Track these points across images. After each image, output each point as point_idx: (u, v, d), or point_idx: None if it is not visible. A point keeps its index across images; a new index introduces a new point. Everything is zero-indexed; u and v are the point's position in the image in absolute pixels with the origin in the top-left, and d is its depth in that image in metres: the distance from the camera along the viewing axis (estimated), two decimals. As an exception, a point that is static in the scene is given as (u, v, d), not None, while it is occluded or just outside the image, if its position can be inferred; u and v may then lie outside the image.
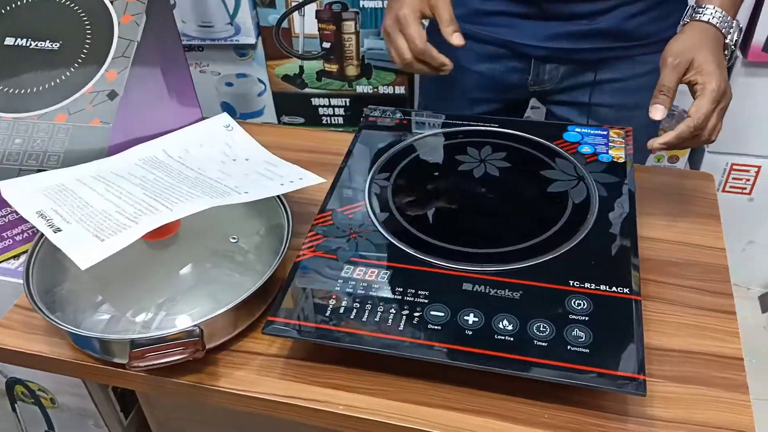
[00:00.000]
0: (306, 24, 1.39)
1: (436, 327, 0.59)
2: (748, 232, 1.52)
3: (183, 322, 0.62)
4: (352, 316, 0.60)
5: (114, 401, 0.90)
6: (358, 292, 0.62)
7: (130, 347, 0.58)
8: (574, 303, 0.60)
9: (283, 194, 0.72)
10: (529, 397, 0.59)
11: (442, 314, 0.60)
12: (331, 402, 0.60)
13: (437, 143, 0.82)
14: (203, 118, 0.82)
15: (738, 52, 1.31)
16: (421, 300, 0.61)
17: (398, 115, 0.86)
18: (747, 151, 1.41)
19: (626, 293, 0.61)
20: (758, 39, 1.26)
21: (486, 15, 0.88)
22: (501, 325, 0.58)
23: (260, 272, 0.65)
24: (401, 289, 0.62)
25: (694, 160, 1.49)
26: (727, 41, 0.72)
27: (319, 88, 1.48)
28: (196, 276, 0.66)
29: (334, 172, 0.77)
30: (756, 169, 1.43)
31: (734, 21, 0.72)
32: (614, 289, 0.61)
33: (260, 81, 1.49)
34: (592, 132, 0.80)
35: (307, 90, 1.49)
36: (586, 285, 0.61)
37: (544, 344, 0.57)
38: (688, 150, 1.46)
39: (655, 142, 0.68)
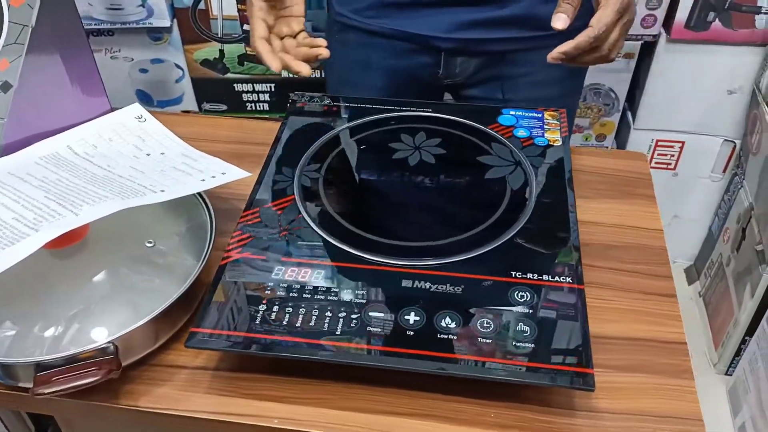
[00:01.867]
0: (224, 5, 1.32)
1: (375, 329, 0.55)
2: (673, 206, 1.55)
3: (97, 337, 0.56)
4: (284, 322, 0.55)
5: (26, 420, 0.83)
6: (291, 294, 0.57)
7: (36, 371, 0.52)
8: (518, 295, 0.57)
9: (204, 191, 0.66)
10: (474, 396, 0.56)
11: (382, 315, 0.56)
12: (264, 416, 0.55)
13: (370, 130, 0.78)
14: (113, 109, 0.75)
15: (662, 29, 1.32)
16: (358, 300, 0.57)
17: (327, 101, 0.81)
18: (671, 127, 1.44)
19: (569, 282, 0.59)
20: (680, 16, 1.27)
21: (391, 7, 0.83)
22: (444, 323, 0.55)
23: (182, 277, 0.59)
24: (337, 290, 0.58)
25: (621, 138, 1.50)
26: None
27: (241, 72, 1.41)
28: (110, 286, 0.60)
29: (260, 164, 0.72)
30: (680, 144, 1.45)
31: None
32: (557, 278, 0.59)
33: (177, 66, 1.41)
34: (527, 115, 0.78)
35: (228, 75, 1.42)
36: (529, 276, 0.59)
37: (488, 341, 0.54)
38: (615, 128, 1.47)
39: (554, 52, 0.66)
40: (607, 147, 1.50)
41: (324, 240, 0.63)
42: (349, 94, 0.93)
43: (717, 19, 1.26)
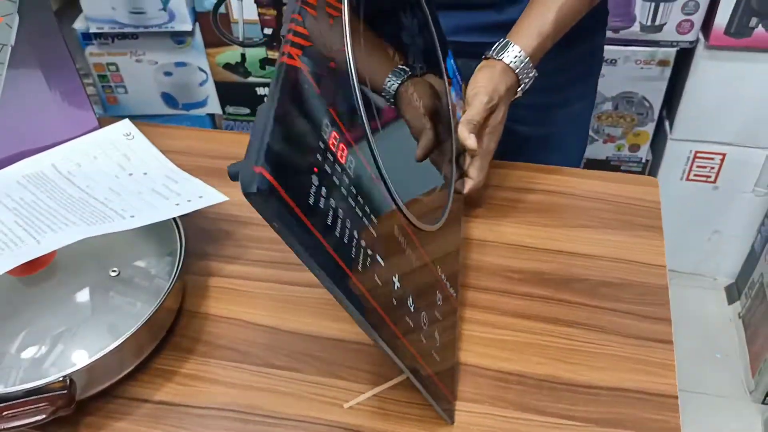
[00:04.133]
0: (245, 9, 1.31)
1: None
2: (713, 221, 1.47)
3: (56, 369, 0.55)
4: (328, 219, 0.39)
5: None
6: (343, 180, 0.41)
7: (-12, 403, 0.52)
8: None
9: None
10: None
11: None
12: (219, 457, 0.53)
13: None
14: (100, 126, 0.75)
15: (700, 35, 1.24)
16: None
17: None
18: (711, 138, 1.35)
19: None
20: (720, 22, 1.19)
21: None
22: None
23: (148, 305, 0.58)
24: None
25: (657, 149, 1.43)
26: (518, 89, 0.69)
27: (263, 76, 1.40)
28: (73, 315, 0.59)
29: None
30: (720, 156, 1.37)
31: (533, 69, 0.68)
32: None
33: (201, 70, 1.41)
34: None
35: (250, 79, 1.41)
36: None
37: None
38: (649, 138, 1.40)
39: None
40: (641, 158, 1.43)
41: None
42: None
43: (760, 25, 1.18)
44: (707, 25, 1.22)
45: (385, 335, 0.44)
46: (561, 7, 0.68)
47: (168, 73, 1.42)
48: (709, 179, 1.41)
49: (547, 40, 0.68)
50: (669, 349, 0.60)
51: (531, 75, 0.68)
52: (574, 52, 0.79)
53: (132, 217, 0.61)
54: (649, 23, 1.22)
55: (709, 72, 1.26)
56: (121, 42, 1.37)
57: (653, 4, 1.20)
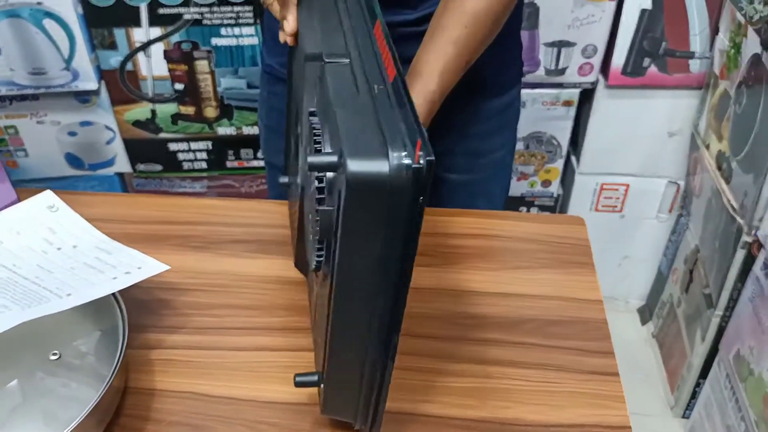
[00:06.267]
0: (154, 65, 1.28)
1: None
2: (622, 247, 1.55)
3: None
4: None
5: None
6: None
7: None
8: None
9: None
10: None
11: None
12: None
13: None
14: (19, 199, 0.70)
15: (600, 76, 1.33)
16: None
17: None
18: (615, 170, 1.44)
19: None
20: (617, 63, 1.28)
21: None
22: None
23: (95, 388, 0.54)
24: None
25: (567, 183, 1.50)
26: None
27: (176, 132, 1.37)
28: (13, 406, 0.55)
29: (183, 247, 0.67)
30: (624, 187, 1.46)
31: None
32: None
33: (108, 128, 1.36)
34: None
35: (162, 135, 1.37)
36: None
37: None
38: (560, 174, 1.47)
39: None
40: (552, 193, 1.49)
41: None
42: (279, 143, 0.90)
43: (653, 65, 1.28)
44: (605, 66, 1.30)
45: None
46: (457, 40, 0.65)
47: (72, 133, 1.36)
48: (616, 209, 1.49)
49: (450, 76, 0.65)
50: (617, 381, 0.62)
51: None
52: (496, 102, 0.83)
53: (69, 295, 0.58)
54: (552, 67, 1.30)
55: (610, 109, 1.35)
56: (20, 103, 1.30)
57: (556, 50, 1.27)
